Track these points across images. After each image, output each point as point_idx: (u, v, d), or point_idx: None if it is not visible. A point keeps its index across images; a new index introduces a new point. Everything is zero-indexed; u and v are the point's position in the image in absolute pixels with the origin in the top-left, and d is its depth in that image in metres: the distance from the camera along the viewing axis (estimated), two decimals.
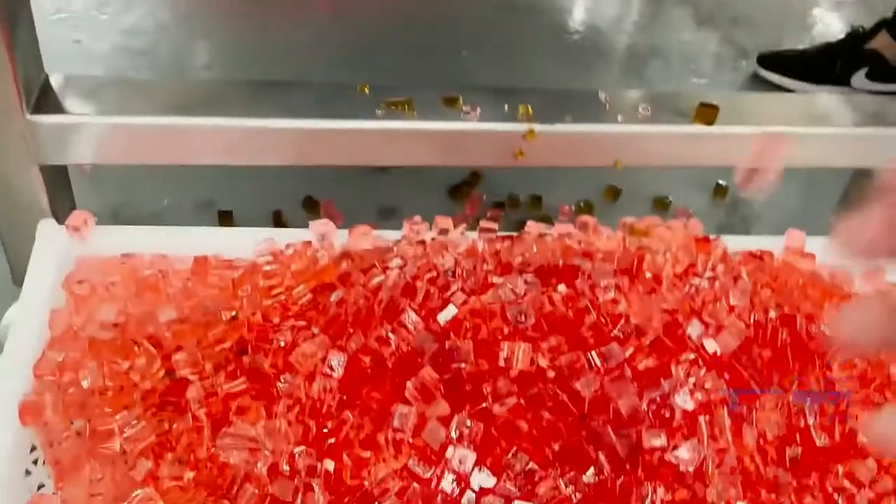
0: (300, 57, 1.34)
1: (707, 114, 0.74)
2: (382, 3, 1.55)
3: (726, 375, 0.61)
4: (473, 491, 0.52)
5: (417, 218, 0.77)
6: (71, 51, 1.36)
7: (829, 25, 1.77)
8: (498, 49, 1.46)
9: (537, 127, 0.72)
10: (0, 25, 0.60)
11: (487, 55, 1.42)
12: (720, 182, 1.20)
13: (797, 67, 1.49)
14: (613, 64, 1.55)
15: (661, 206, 1.16)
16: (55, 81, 0.68)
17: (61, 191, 0.73)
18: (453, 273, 0.67)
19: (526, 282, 0.65)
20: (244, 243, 0.72)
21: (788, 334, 0.66)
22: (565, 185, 1.15)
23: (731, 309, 0.66)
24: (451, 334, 0.59)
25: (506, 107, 0.73)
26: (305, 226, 0.71)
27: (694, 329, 0.62)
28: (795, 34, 1.72)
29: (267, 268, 0.69)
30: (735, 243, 0.81)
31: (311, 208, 1.08)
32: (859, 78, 1.45)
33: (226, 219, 1.05)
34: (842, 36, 1.50)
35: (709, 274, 0.69)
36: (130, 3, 1.52)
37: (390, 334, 0.59)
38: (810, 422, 0.60)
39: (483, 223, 0.78)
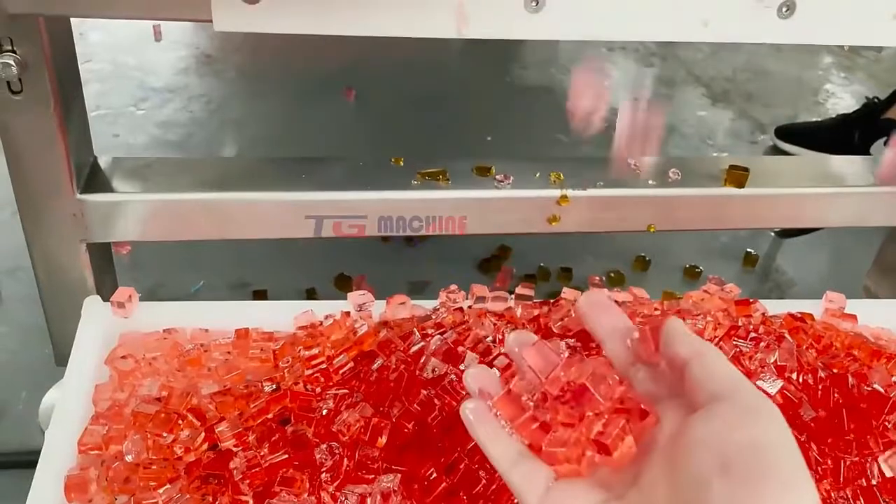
0: (332, 143, 1.38)
1: (738, 176, 0.75)
2: (406, 89, 1.61)
3: None
4: None
5: (454, 287, 0.78)
6: (110, 144, 1.42)
7: (843, 100, 1.81)
8: (520, 129, 1.50)
9: (570, 192, 0.73)
10: (56, 111, 0.64)
11: (510, 136, 1.46)
12: (749, 251, 1.20)
13: (815, 138, 1.50)
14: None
15: (692, 275, 1.16)
16: (103, 163, 0.71)
17: (105, 269, 0.75)
18: (493, 339, 0.67)
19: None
20: (283, 317, 0.73)
21: (840, 394, 0.64)
22: (594, 257, 1.16)
23: (781, 370, 0.64)
24: None
25: (537, 174, 0.74)
26: None
27: None
28: (809, 109, 1.75)
29: (307, 339, 0.69)
30: (773, 307, 0.80)
31: (344, 285, 1.09)
32: (878, 148, 1.46)
33: (260, 298, 1.06)
34: (857, 108, 1.53)
35: (752, 335, 0.68)
36: (165, 99, 1.59)
37: (434, 400, 0.58)
38: (873, 483, 0.58)
39: (519, 290, 0.78)
